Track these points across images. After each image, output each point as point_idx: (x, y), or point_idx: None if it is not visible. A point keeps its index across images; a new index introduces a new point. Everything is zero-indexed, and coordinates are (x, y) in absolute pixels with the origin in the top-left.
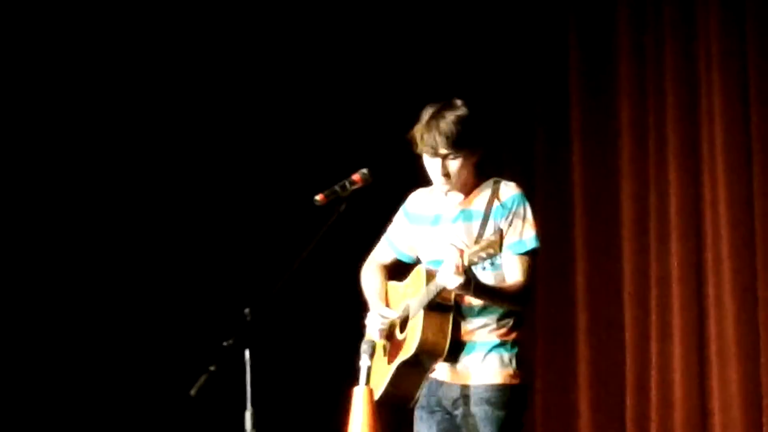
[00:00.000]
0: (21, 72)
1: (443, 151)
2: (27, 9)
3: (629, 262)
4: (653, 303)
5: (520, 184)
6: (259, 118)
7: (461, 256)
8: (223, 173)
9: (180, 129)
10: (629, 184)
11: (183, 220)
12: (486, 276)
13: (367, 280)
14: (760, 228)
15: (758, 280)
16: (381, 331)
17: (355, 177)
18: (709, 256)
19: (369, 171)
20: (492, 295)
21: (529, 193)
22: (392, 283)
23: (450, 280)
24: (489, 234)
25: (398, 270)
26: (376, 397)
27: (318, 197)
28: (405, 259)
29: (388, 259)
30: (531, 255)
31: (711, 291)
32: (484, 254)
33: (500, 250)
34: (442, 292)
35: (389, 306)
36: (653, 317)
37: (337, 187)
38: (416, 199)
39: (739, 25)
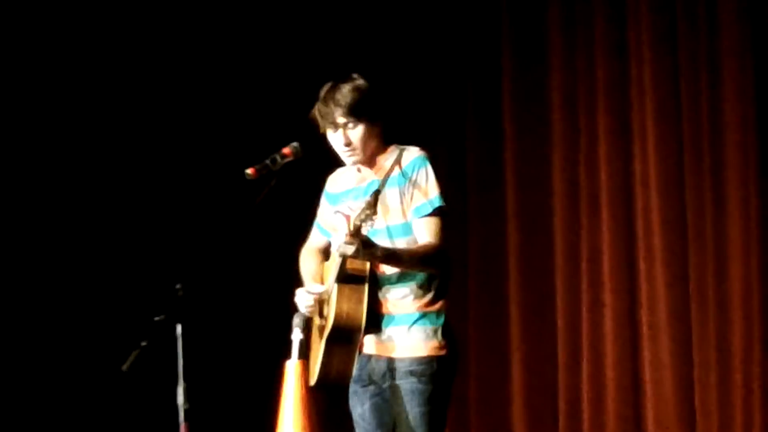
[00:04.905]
0: None
1: (341, 119)
2: None
3: (560, 236)
4: (584, 276)
5: (423, 147)
6: (191, 91)
7: (348, 222)
8: (154, 148)
9: (111, 106)
10: (560, 159)
11: (114, 195)
12: (398, 242)
13: (302, 264)
14: (690, 201)
15: (689, 253)
16: (308, 307)
17: (286, 150)
18: (639, 229)
19: (300, 145)
20: (400, 258)
21: (461, 170)
22: (327, 263)
23: (343, 248)
24: (387, 200)
25: None
26: (314, 378)
27: (249, 171)
28: None
29: (321, 243)
30: (438, 215)
31: (642, 263)
32: (363, 215)
33: (375, 209)
34: (345, 262)
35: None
36: (584, 289)
37: (268, 161)
38: (333, 180)
39: (670, 1)
